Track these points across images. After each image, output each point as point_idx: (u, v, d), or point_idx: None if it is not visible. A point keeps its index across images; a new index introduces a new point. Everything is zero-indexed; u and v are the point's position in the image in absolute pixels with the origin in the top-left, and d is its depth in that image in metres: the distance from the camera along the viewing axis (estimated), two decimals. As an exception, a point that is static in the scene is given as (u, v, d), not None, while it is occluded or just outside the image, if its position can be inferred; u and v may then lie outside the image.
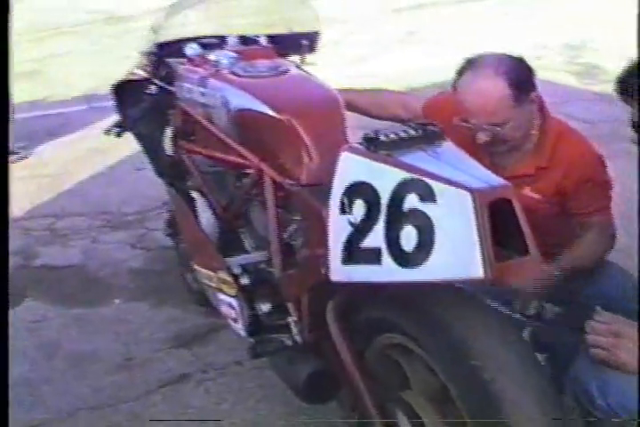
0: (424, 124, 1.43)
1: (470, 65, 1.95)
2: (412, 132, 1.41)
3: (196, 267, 2.13)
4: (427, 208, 1.26)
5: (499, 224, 1.22)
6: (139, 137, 2.58)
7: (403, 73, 5.39)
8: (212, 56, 2.08)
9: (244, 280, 1.91)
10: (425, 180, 1.27)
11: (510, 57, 1.95)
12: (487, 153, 1.99)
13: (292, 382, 1.79)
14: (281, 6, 2.42)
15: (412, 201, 1.28)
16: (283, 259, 1.82)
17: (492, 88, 1.88)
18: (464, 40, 6.06)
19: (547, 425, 1.35)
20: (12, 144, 4.30)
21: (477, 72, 1.91)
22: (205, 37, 2.32)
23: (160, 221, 3.50)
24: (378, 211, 1.34)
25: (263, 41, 2.25)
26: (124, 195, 3.94)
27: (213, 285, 2.00)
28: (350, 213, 1.39)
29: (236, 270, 1.93)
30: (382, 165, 1.35)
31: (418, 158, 1.35)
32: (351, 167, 1.41)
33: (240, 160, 1.96)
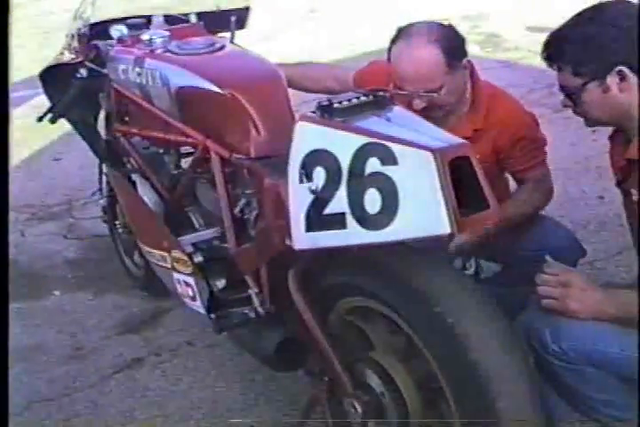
0: (374, 89, 1.46)
1: (403, 34, 1.99)
2: (364, 99, 1.44)
3: (145, 248, 2.12)
4: (388, 171, 1.30)
5: (456, 181, 1.27)
6: (72, 122, 2.53)
7: (309, 50, 5.43)
8: (144, 36, 2.05)
9: (198, 258, 1.92)
10: (385, 143, 1.30)
11: (441, 25, 2.01)
12: (424, 119, 2.04)
13: (261, 353, 1.82)
14: None
15: (373, 165, 1.31)
16: (236, 234, 1.84)
17: (427, 55, 1.94)
18: (364, 16, 6.14)
19: (510, 362, 1.40)
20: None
21: (410, 40, 1.96)
22: (130, 18, 2.29)
23: (87, 210, 3.48)
24: (339, 177, 1.36)
25: (193, 19, 2.23)
26: (44, 187, 3.86)
27: (167, 265, 1.99)
28: (311, 180, 1.41)
29: (189, 249, 1.94)
30: (340, 132, 1.37)
31: (373, 123, 1.39)
32: (308, 136, 1.42)
33: (183, 138, 1.95)
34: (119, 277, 2.84)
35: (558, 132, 3.11)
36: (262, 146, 1.73)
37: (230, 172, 1.86)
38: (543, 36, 1.72)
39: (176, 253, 1.93)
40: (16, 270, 3.00)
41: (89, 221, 3.36)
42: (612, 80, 1.60)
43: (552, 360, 1.65)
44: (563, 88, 1.70)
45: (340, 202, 1.37)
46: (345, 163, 1.35)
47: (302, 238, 1.46)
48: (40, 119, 2.44)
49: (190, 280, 1.92)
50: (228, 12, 2.26)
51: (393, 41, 2.01)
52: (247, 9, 2.38)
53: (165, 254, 1.98)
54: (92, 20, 2.33)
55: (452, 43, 1.97)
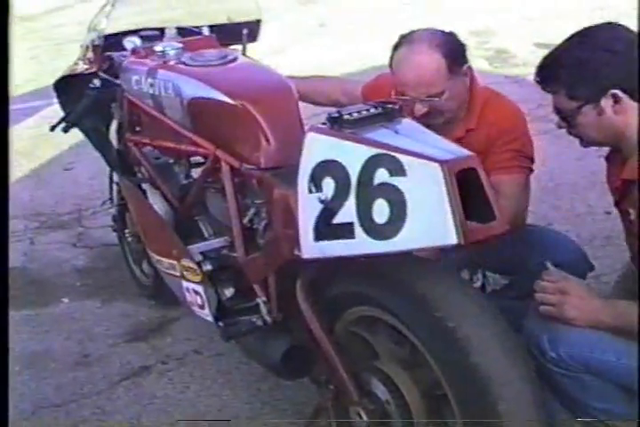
0: (383, 101, 1.49)
1: (404, 41, 2.02)
2: (373, 110, 1.47)
3: (155, 257, 2.14)
4: (397, 181, 1.32)
5: (463, 192, 1.29)
6: (84, 132, 2.56)
7: (318, 64, 5.47)
8: (157, 47, 2.09)
9: (207, 266, 1.94)
10: (393, 154, 1.33)
11: (442, 32, 2.03)
12: (425, 125, 2.06)
13: (267, 360, 1.83)
14: None
15: (381, 176, 1.34)
16: (245, 243, 1.86)
17: (428, 61, 1.96)
18: (372, 31, 6.19)
19: (512, 365, 1.42)
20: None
21: (412, 46, 1.98)
22: (145, 30, 2.33)
23: (96, 219, 3.51)
24: (348, 187, 1.39)
25: (205, 31, 2.27)
26: (54, 196, 3.89)
27: (176, 273, 2.02)
28: (320, 190, 1.43)
29: (198, 257, 1.96)
30: (349, 143, 1.40)
31: (382, 134, 1.41)
32: (317, 147, 1.45)
33: (194, 148, 1.98)
34: (127, 286, 2.87)
35: (564, 147, 3.14)
36: (272, 156, 1.75)
37: (240, 181, 1.89)
38: (551, 53, 1.74)
39: (185, 262, 1.96)
40: (25, 278, 3.04)
41: (98, 230, 3.38)
42: (606, 103, 1.64)
43: (551, 367, 1.67)
44: (558, 110, 1.74)
45: (348, 212, 1.39)
46: (354, 173, 1.37)
47: (311, 248, 1.49)
48: (53, 128, 2.48)
49: (199, 288, 1.94)
50: (240, 25, 2.30)
51: (395, 48, 2.03)
52: (258, 22, 2.42)
53: (175, 263, 2.01)
54: (107, 32, 2.36)
55: (453, 48, 2.00)
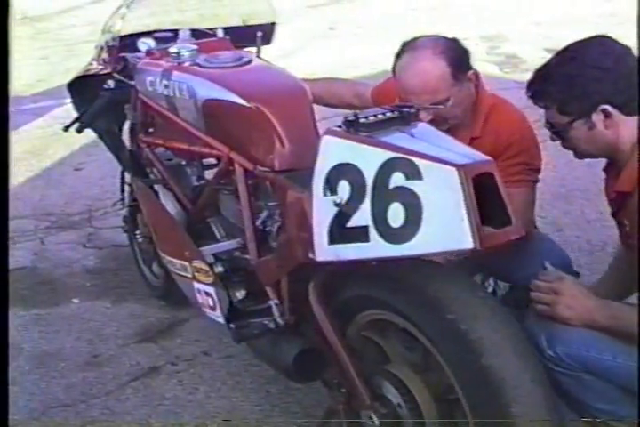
0: (399, 105, 1.49)
1: (407, 47, 2.00)
2: (389, 114, 1.46)
3: (167, 258, 2.15)
4: (413, 185, 1.32)
5: (479, 197, 1.29)
6: (97, 132, 2.57)
7: (329, 67, 5.48)
8: (172, 49, 2.09)
9: (219, 268, 1.95)
10: (410, 158, 1.32)
11: (445, 38, 2.02)
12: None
13: (279, 363, 1.83)
14: None
15: (397, 179, 1.34)
16: (258, 245, 1.87)
17: (432, 67, 1.94)
18: (382, 35, 6.20)
19: (524, 368, 1.42)
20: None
21: (415, 53, 1.97)
22: (159, 31, 2.34)
23: (106, 220, 3.52)
24: (363, 190, 1.39)
25: (220, 33, 2.28)
26: (65, 196, 3.90)
27: (188, 274, 2.02)
28: (335, 194, 1.43)
29: (210, 259, 1.96)
30: (365, 146, 1.40)
31: (398, 138, 1.41)
32: (333, 150, 1.45)
33: (207, 150, 1.99)
34: (137, 287, 2.87)
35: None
36: (286, 159, 1.75)
37: (253, 184, 1.89)
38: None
39: (197, 263, 1.96)
40: (35, 278, 3.05)
41: (108, 230, 3.39)
42: (597, 118, 1.65)
43: (550, 366, 1.66)
44: (550, 125, 1.75)
45: (363, 215, 1.39)
46: (370, 177, 1.37)
47: (325, 251, 1.49)
48: (67, 129, 2.48)
49: (210, 290, 1.94)
50: (255, 28, 2.30)
51: (398, 55, 2.01)
52: (273, 24, 2.43)
53: (186, 264, 2.01)
54: (121, 33, 2.37)
55: (457, 55, 1.98)
